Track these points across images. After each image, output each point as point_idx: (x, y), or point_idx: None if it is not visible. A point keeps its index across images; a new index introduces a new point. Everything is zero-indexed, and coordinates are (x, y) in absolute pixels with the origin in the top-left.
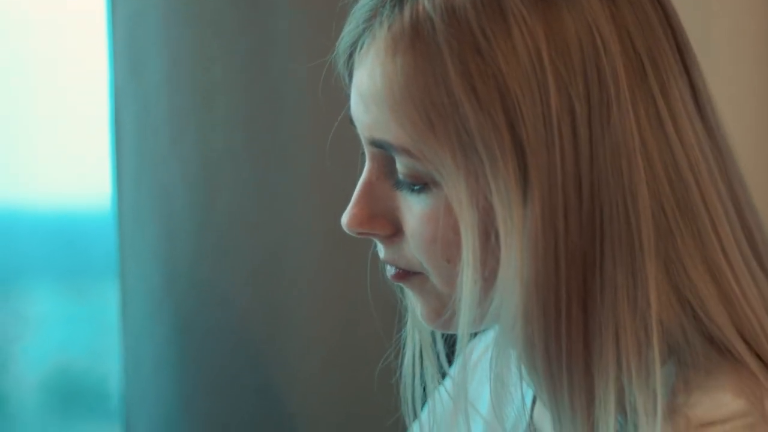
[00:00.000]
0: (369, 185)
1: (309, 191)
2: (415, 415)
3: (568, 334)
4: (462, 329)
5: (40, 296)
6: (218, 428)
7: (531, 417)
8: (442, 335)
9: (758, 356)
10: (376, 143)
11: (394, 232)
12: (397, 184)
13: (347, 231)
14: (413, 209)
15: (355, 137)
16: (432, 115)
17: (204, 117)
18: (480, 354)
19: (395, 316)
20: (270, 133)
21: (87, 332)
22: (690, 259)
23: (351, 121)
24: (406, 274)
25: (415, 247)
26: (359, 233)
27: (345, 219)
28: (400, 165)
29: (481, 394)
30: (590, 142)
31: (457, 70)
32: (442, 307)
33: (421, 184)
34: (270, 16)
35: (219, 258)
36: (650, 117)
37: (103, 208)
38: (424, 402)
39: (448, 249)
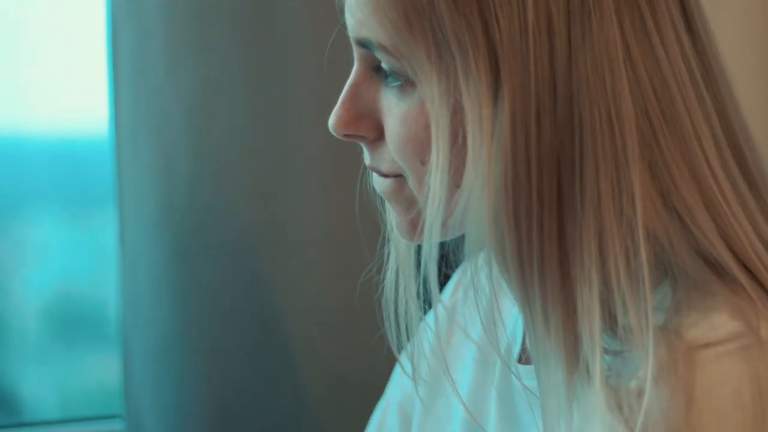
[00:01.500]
0: (355, 87)
1: (306, 114)
2: (398, 335)
3: (540, 239)
4: (429, 231)
5: (39, 223)
6: (216, 352)
7: (524, 341)
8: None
9: (750, 275)
10: (360, 42)
11: (378, 135)
12: (382, 85)
13: (334, 133)
14: (393, 110)
15: (352, 58)
16: (410, 14)
17: (200, 43)
18: (472, 276)
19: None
20: (266, 57)
21: (85, 258)
22: (675, 166)
23: (343, 24)
24: (386, 179)
25: (393, 149)
26: (345, 135)
27: (331, 121)
28: (383, 64)
29: (474, 318)
30: (569, 49)
31: None
32: (417, 218)
33: (399, 81)
34: None
35: (216, 183)
36: (635, 27)
37: (101, 135)
38: (407, 324)
39: (420, 149)
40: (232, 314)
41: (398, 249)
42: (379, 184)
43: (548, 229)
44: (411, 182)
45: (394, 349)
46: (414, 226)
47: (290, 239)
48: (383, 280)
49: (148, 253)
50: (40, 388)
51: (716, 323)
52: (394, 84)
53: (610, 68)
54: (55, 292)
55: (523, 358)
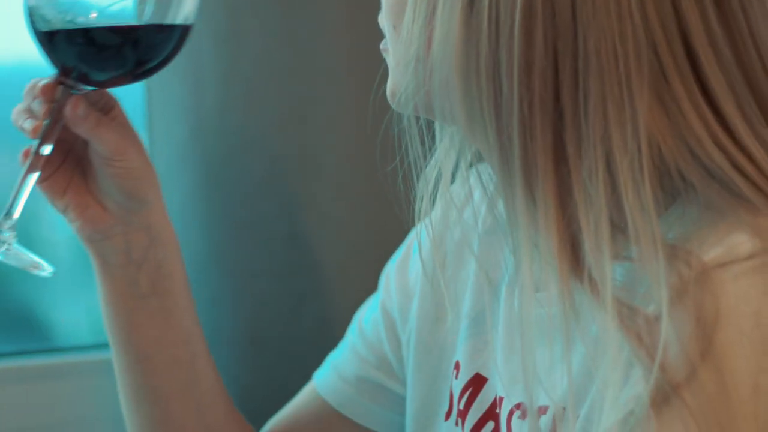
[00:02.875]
0: None
1: (336, 35)
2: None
3: (531, 126)
4: (400, 95)
5: None
6: (247, 276)
7: None
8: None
9: (765, 196)
10: None
11: None
12: None
13: None
14: None
15: None
16: None
17: None
18: (473, 184)
19: None
20: None
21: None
22: (682, 89)
23: None
24: (384, 43)
25: (383, 7)
26: None
27: None
28: None
29: (473, 230)
30: None
31: None
32: (393, 86)
33: None
34: None
35: (247, 107)
36: None
37: None
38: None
39: (395, 12)
40: (263, 238)
41: (442, 158)
42: (382, 48)
43: (541, 131)
44: (390, 48)
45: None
46: (393, 94)
47: (321, 163)
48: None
49: (178, 178)
50: (73, 314)
51: (733, 242)
52: None
53: None
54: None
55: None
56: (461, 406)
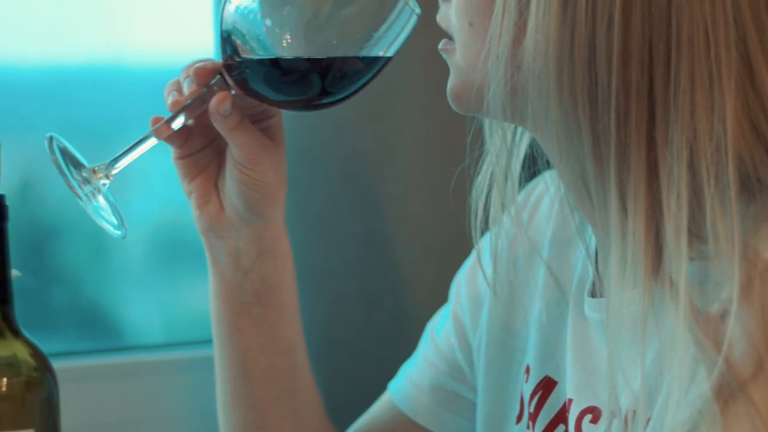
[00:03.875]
0: None
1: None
2: (479, 236)
3: (625, 126)
4: (490, 98)
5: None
6: (322, 274)
7: (597, 268)
8: (521, 165)
9: None
10: None
11: None
12: None
13: None
14: None
15: None
16: None
17: None
18: (538, 195)
19: None
20: None
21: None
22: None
23: None
24: (445, 44)
25: (452, 3)
26: None
27: None
28: None
29: (544, 237)
30: None
31: None
32: (461, 86)
33: None
34: None
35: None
36: None
37: None
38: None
39: (473, 6)
40: (339, 236)
41: (495, 161)
42: (442, 47)
43: (636, 120)
44: (458, 46)
45: (479, 259)
46: (458, 95)
47: (396, 161)
48: (480, 193)
49: None
50: (145, 313)
51: None
52: None
53: None
54: (159, 218)
55: (597, 293)
56: (531, 409)
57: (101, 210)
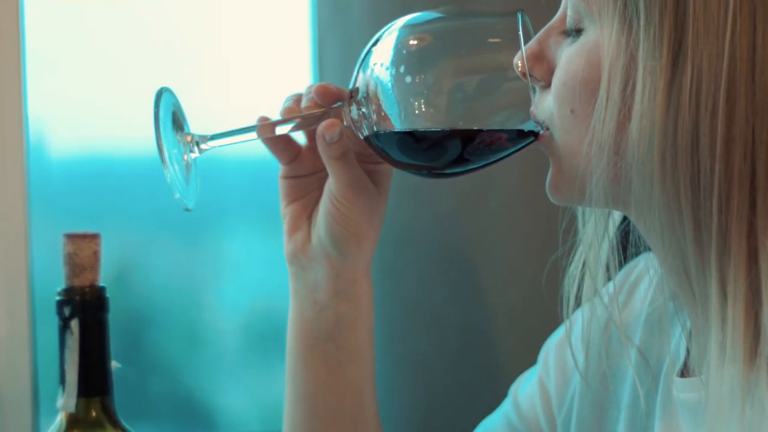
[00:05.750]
0: (548, 31)
1: None
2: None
3: (727, 213)
4: (594, 183)
5: (239, 238)
6: (420, 362)
7: (688, 354)
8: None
9: None
10: None
11: (549, 83)
12: (569, 38)
13: (516, 68)
14: (565, 53)
15: None
16: None
17: None
18: (638, 275)
19: None
20: None
21: (283, 273)
22: None
23: None
24: (543, 132)
25: (552, 89)
26: (522, 72)
27: (516, 57)
28: (570, 6)
29: (637, 320)
30: None
31: None
32: (562, 177)
33: (580, 29)
34: None
35: (420, 196)
36: None
37: None
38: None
39: (572, 95)
40: (436, 325)
41: (587, 249)
42: (539, 137)
43: (738, 206)
44: (557, 134)
45: (568, 337)
46: (558, 186)
47: (493, 251)
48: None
49: None
50: (240, 402)
51: None
52: (575, 32)
53: None
54: (253, 307)
55: (686, 374)
56: None
57: (177, 177)
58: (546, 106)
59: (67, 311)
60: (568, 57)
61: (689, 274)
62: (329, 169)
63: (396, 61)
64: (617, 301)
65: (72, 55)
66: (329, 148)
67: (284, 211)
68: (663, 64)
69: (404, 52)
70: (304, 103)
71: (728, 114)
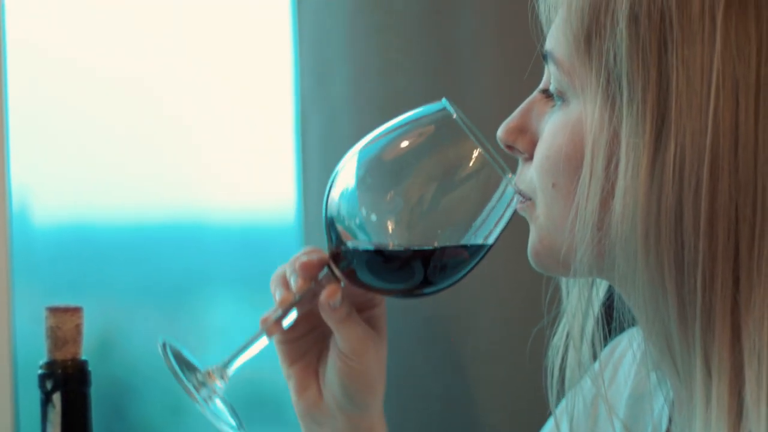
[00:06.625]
0: (531, 103)
1: None
2: (555, 398)
3: (710, 292)
4: (578, 257)
5: (222, 306)
6: None
7: (669, 421)
8: (598, 327)
9: None
10: (545, 55)
11: (532, 155)
12: (551, 109)
13: (499, 140)
14: (548, 125)
15: None
16: (592, 33)
17: None
18: (621, 352)
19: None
20: None
21: (269, 342)
22: None
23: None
24: (524, 201)
25: (534, 162)
26: (506, 145)
27: (500, 128)
28: (554, 80)
29: (621, 396)
30: (756, 115)
31: None
32: (544, 247)
33: (563, 101)
34: (454, 23)
35: None
36: None
37: (288, 219)
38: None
39: (555, 169)
40: (418, 397)
41: (571, 320)
42: (520, 206)
43: (722, 283)
44: (539, 205)
45: (553, 409)
46: (538, 253)
47: (476, 321)
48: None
49: None
50: None
51: None
52: (558, 104)
53: None
54: (237, 375)
55: None
56: None
57: (219, 412)
58: (528, 177)
59: (49, 385)
60: (551, 131)
61: (673, 350)
62: (338, 332)
63: (356, 195)
64: (602, 378)
65: (56, 122)
66: (335, 313)
67: (288, 372)
68: (646, 140)
69: (361, 186)
70: (294, 285)
71: (712, 191)
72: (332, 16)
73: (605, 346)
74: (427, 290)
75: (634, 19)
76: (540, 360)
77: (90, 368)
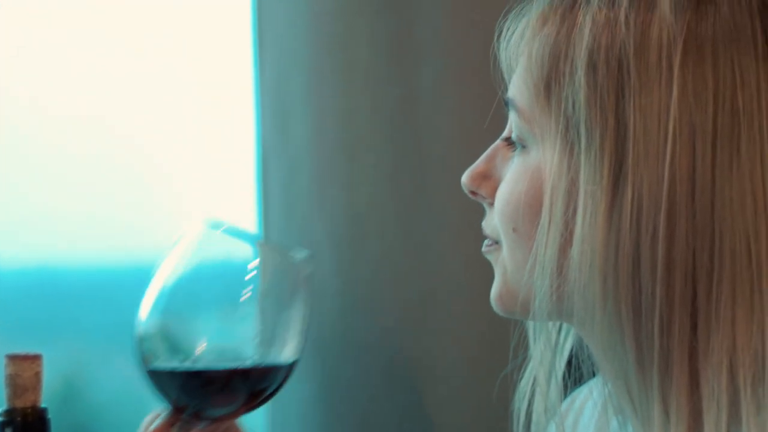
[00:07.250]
0: (495, 150)
1: (455, 243)
2: None
3: (668, 338)
4: (537, 303)
5: None
6: None
7: None
8: (564, 373)
9: None
10: (507, 101)
11: (495, 200)
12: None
13: (463, 186)
14: (509, 172)
15: None
16: (552, 80)
17: (348, 174)
18: (582, 401)
19: None
20: (416, 188)
21: None
22: None
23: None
24: (489, 245)
25: (496, 206)
26: (470, 191)
27: (465, 174)
28: (515, 127)
29: None
30: (713, 166)
31: (587, 44)
32: (506, 292)
33: (522, 146)
34: (414, 70)
35: (365, 311)
36: None
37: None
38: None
39: (515, 215)
40: None
41: (538, 366)
42: (485, 248)
43: (679, 329)
44: (504, 249)
45: None
46: (501, 297)
47: (440, 365)
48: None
49: (296, 382)
50: None
51: None
52: (519, 150)
53: (753, 196)
54: None
55: None
56: None
57: None
58: (493, 223)
59: None
60: (511, 177)
61: (632, 394)
62: None
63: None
64: (563, 428)
65: (14, 165)
66: None
67: None
68: (603, 187)
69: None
70: None
71: (669, 237)
72: (293, 58)
73: (568, 394)
74: (260, 401)
75: (592, 66)
76: (507, 404)
77: (51, 415)
